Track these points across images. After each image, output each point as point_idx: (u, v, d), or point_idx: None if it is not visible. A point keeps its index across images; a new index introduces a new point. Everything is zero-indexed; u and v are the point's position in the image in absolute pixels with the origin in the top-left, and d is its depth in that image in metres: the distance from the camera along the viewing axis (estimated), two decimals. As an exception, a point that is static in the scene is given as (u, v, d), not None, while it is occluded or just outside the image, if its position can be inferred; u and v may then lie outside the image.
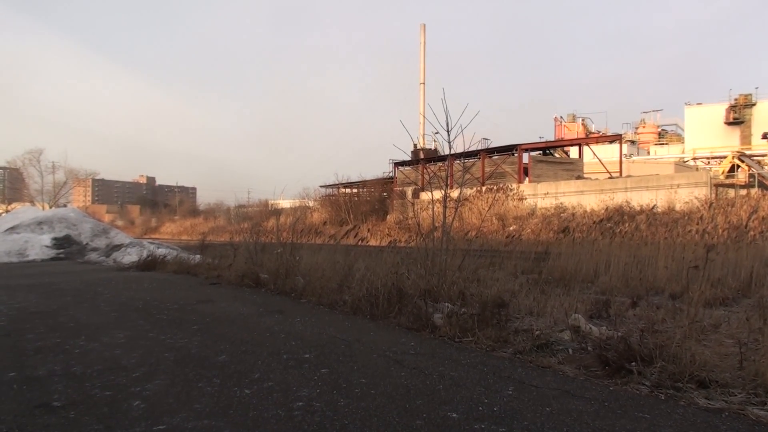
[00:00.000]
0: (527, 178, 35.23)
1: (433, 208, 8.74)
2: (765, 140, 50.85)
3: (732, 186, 36.37)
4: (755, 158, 49.24)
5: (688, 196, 24.58)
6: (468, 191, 31.87)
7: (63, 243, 21.76)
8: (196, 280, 11.82)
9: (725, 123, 61.37)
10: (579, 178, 34.87)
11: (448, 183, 9.21)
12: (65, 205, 55.92)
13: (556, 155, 41.75)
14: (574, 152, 44.93)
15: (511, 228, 26.89)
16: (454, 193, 10.68)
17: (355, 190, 44.51)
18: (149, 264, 15.02)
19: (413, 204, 33.27)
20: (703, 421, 3.35)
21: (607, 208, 26.19)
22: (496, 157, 37.02)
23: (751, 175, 43.45)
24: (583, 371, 4.39)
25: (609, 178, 33.37)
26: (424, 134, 48.00)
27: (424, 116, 47.11)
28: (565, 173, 36.38)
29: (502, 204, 30.65)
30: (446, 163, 26.51)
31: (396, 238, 27.16)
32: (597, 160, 38.43)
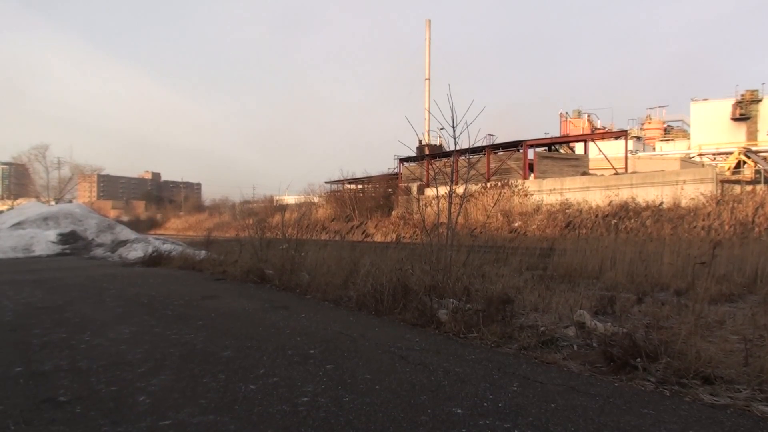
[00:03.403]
0: (532, 174, 35.16)
1: (438, 204, 8.71)
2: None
3: (738, 182, 36.24)
4: (761, 154, 48.99)
5: (693, 192, 24.48)
6: (473, 187, 31.84)
7: (68, 239, 21.85)
8: (201, 276, 11.85)
9: (731, 119, 61.08)
10: (584, 174, 34.75)
11: (453, 179, 9.20)
12: (71, 201, 56.16)
13: (562, 151, 41.65)
14: (579, 148, 44.85)
15: (516, 224, 26.86)
16: (459, 189, 10.66)
17: (360, 186, 44.51)
18: (155, 260, 15.07)
19: (418, 200, 33.26)
20: (708, 417, 3.34)
21: (612, 204, 26.13)
22: (501, 153, 36.94)
23: (758, 171, 43.27)
24: (588, 367, 4.39)
25: (614, 174, 33.25)
26: (429, 130, 48.04)
27: (429, 112, 47.08)
28: (570, 169, 36.27)
29: (507, 200, 30.61)
30: (451, 159, 26.49)
31: (401, 233, 27.17)
32: (602, 156, 38.30)
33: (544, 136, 44.46)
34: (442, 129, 40.20)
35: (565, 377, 4.18)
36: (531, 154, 35.89)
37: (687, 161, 50.19)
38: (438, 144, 46.88)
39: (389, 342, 5.34)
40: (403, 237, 24.49)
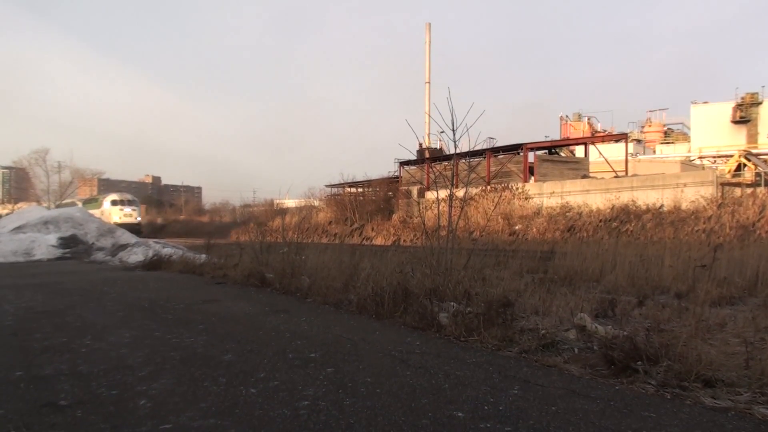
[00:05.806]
0: (533, 178, 35.19)
1: (438, 207, 8.72)
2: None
3: (738, 185, 36.23)
4: (762, 157, 49.08)
5: (694, 195, 24.51)
6: (473, 190, 31.85)
7: (69, 242, 21.83)
8: (201, 280, 11.84)
9: (732, 122, 61.14)
10: (585, 177, 34.78)
11: (454, 182, 9.21)
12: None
13: (562, 154, 41.66)
14: (579, 151, 44.91)
15: (517, 227, 26.85)
16: (460, 193, 10.67)
17: (360, 190, 44.52)
18: (155, 263, 15.05)
19: (418, 203, 33.28)
20: (709, 420, 3.33)
21: (613, 207, 26.15)
22: (502, 156, 36.95)
23: (758, 174, 43.30)
24: (589, 370, 4.38)
25: (615, 177, 33.29)
26: (429, 133, 48.09)
27: (429, 115, 47.10)
28: (570, 172, 36.29)
29: (508, 203, 30.60)
30: (451, 162, 26.51)
31: (401, 237, 27.14)
32: (603, 159, 38.35)
33: (544, 139, 44.53)
34: (442, 132, 40.22)
35: (566, 380, 4.17)
36: (531, 157, 35.94)
37: (687, 164, 50.21)
38: (438, 147, 46.88)
39: (390, 345, 5.34)
40: (403, 240, 24.47)
